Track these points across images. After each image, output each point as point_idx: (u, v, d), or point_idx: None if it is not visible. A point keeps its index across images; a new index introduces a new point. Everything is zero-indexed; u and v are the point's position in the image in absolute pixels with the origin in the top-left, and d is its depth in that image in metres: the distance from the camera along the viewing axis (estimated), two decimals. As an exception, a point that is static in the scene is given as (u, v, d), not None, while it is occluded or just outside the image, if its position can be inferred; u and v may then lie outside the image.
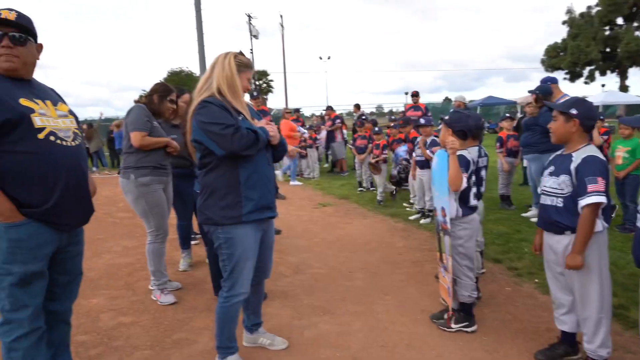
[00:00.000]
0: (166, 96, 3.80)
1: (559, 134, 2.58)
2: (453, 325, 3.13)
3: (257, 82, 40.58)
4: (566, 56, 35.84)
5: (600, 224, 2.43)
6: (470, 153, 3.35)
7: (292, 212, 7.54)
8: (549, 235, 2.63)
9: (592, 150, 2.47)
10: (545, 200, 2.60)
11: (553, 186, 2.55)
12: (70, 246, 2.35)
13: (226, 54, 2.54)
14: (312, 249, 5.32)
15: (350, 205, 7.96)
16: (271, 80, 44.91)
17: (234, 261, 2.51)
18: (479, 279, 4.05)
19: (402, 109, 21.10)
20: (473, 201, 3.07)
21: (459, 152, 3.00)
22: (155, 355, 2.95)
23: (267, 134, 2.53)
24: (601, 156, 2.45)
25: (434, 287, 3.90)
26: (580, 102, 2.54)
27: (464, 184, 2.91)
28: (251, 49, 36.70)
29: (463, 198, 3.02)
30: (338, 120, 12.52)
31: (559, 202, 2.51)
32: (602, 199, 2.34)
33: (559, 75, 37.63)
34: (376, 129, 8.56)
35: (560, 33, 57.66)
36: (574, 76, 37.78)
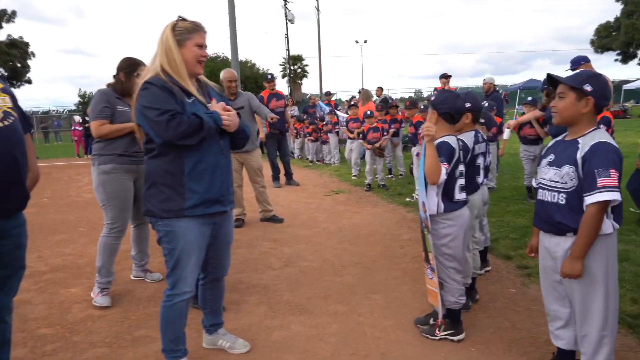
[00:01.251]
0: (133, 71, 3.43)
1: (568, 114, 2.10)
2: (437, 333, 2.78)
3: (292, 67, 40.29)
4: (619, 36, 33.39)
5: (610, 225, 2.01)
6: (465, 139, 2.95)
7: (302, 199, 7.27)
8: (547, 236, 2.22)
9: (603, 136, 2.03)
10: (544, 195, 2.18)
11: (554, 179, 2.12)
12: (5, 238, 2.14)
13: (166, 26, 2.25)
14: (311, 239, 5.03)
15: (365, 192, 7.60)
16: (306, 65, 44.43)
17: (176, 257, 2.27)
18: (477, 279, 3.67)
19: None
20: (459, 195, 2.66)
21: (442, 139, 2.61)
22: (110, 354, 2.76)
23: (217, 120, 2.25)
24: (614, 142, 2.02)
25: (429, 286, 3.53)
26: (595, 77, 2.07)
27: (443, 176, 2.51)
28: (286, 34, 36.37)
29: (447, 191, 2.63)
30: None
31: (561, 199, 2.09)
32: (616, 195, 1.91)
33: (610, 56, 35.35)
34: (368, 112, 8.11)
35: (613, 11, 53.82)
36: (626, 57, 35.29)
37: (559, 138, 2.24)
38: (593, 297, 2.05)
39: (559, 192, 2.09)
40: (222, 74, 5.57)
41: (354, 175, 8.90)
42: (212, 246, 2.46)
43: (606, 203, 1.93)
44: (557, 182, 2.09)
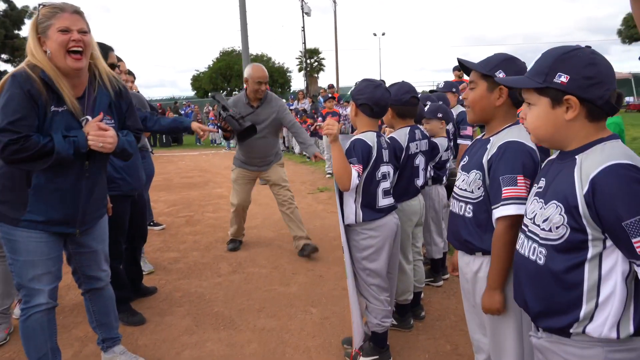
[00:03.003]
0: None
1: (480, 108, 1.74)
2: (361, 359, 2.44)
3: (308, 61, 39.89)
4: (648, 25, 31.79)
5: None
6: (397, 136, 2.60)
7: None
8: (459, 254, 1.87)
9: (516, 134, 1.65)
10: (454, 205, 1.83)
11: (462, 187, 1.77)
12: None
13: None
14: (273, 242, 4.73)
15: (351, 191, 7.25)
16: (323, 59, 43.98)
17: (19, 267, 2.02)
18: (433, 291, 3.33)
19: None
20: (384, 201, 2.31)
21: (357, 136, 2.26)
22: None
23: (79, 145, 1.93)
24: (529, 143, 1.63)
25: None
26: (510, 61, 1.68)
27: (355, 181, 2.16)
28: (303, 27, 35.99)
29: (367, 197, 2.27)
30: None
31: (468, 211, 1.74)
32: (522, 209, 1.54)
33: (639, 47, 33.73)
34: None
35: (645, 0, 51.26)
36: (657, 48, 33.67)
37: (479, 137, 1.87)
38: (504, 332, 1.68)
39: (466, 203, 1.73)
40: (249, 71, 3.98)
41: (329, 174, 8.64)
42: (75, 256, 2.22)
43: (515, 218, 1.56)
44: (465, 190, 1.73)
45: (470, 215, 1.71)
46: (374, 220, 2.28)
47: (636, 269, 1.13)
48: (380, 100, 2.27)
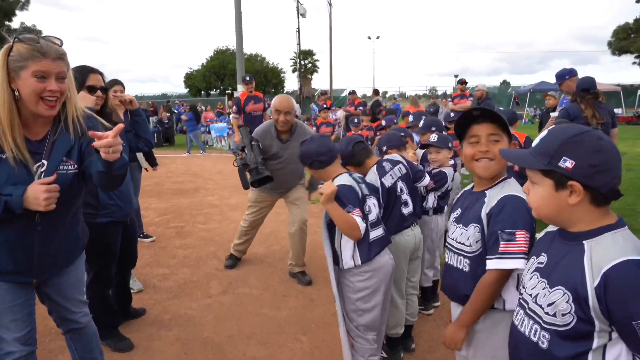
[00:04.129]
0: None
1: (466, 162, 1.81)
2: (349, 396, 2.44)
3: (302, 62, 39.88)
4: (638, 38, 32.27)
5: (517, 299, 1.65)
6: (369, 179, 2.61)
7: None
8: (453, 305, 1.89)
9: (513, 188, 1.69)
10: (450, 257, 1.84)
11: (460, 240, 1.78)
12: None
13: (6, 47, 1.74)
14: (263, 260, 4.71)
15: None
16: (317, 60, 44.00)
17: None
18: (424, 319, 3.33)
19: (449, 91, 19.99)
20: (373, 232, 2.31)
21: (336, 183, 2.28)
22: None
23: (13, 206, 1.75)
24: (525, 196, 1.65)
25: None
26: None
27: (362, 225, 2.18)
28: (298, 28, 35.92)
29: (362, 239, 2.28)
30: (360, 108, 11.69)
31: (466, 265, 1.76)
32: (520, 264, 1.57)
33: (628, 59, 34.25)
34: (355, 120, 7.65)
35: (633, 12, 52.10)
36: (645, 61, 34.13)
37: (467, 188, 1.90)
38: None
39: (463, 257, 1.75)
40: (273, 101, 3.86)
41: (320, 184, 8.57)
42: (46, 301, 2.13)
43: (507, 272, 1.59)
44: (463, 244, 1.75)
45: (467, 269, 1.73)
46: (370, 262, 2.28)
47: None
48: (318, 149, 2.39)
